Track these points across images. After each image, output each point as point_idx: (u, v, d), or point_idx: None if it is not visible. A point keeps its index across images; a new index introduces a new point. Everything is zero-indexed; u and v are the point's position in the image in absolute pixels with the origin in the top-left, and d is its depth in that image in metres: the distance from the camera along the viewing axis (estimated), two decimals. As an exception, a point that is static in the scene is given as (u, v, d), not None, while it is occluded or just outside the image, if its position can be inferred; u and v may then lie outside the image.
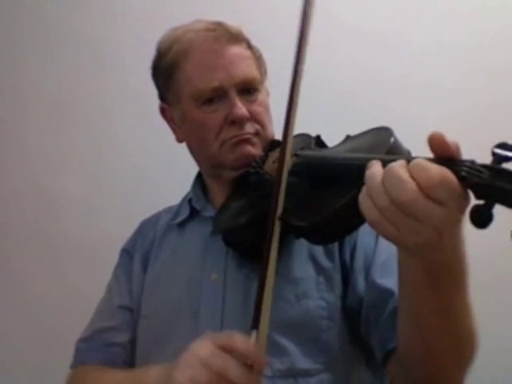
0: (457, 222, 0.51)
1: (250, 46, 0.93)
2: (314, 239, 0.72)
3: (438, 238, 0.50)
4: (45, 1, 1.54)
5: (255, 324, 0.62)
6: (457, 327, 0.65)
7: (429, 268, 0.57)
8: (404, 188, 0.47)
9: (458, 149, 0.50)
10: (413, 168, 0.48)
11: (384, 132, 0.67)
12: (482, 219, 0.46)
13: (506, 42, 1.48)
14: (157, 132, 1.45)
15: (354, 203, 0.57)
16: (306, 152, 0.80)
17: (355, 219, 0.61)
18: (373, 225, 0.52)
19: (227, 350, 0.60)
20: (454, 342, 0.66)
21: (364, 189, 0.52)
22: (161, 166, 1.49)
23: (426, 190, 0.47)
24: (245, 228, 0.80)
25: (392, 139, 0.64)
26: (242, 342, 0.60)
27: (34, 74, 1.53)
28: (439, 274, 0.58)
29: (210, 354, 0.60)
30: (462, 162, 0.49)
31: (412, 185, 0.47)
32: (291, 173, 0.74)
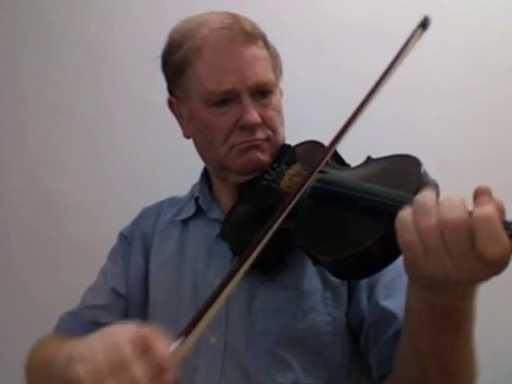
0: (484, 280, 0.51)
1: (266, 44, 0.89)
2: (334, 273, 0.68)
3: (455, 283, 0.50)
4: (44, 0, 1.54)
5: (186, 332, 0.55)
6: (455, 370, 0.64)
7: (434, 311, 0.57)
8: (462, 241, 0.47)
9: (503, 209, 0.49)
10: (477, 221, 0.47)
11: (413, 162, 0.64)
12: None
13: (506, 42, 1.48)
14: (157, 133, 1.47)
15: (383, 244, 0.55)
16: (329, 176, 0.75)
17: (382, 260, 0.60)
18: (404, 245, 0.51)
19: (145, 345, 0.53)
20: (450, 381, 0.65)
21: (409, 209, 0.51)
22: (161, 166, 1.48)
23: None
24: None
25: (422, 171, 0.61)
26: (163, 345, 0.53)
27: (33, 74, 1.53)
28: (444, 318, 0.58)
29: (124, 341, 0.53)
30: (505, 224, 0.47)
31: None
32: (309, 196, 0.71)
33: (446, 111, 1.48)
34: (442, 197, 0.50)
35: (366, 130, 1.43)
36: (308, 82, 1.45)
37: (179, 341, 0.55)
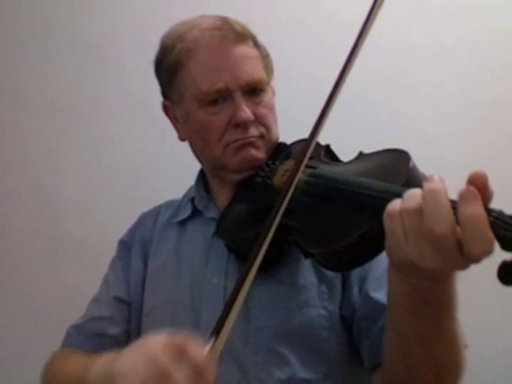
0: (463, 269, 0.51)
1: (256, 44, 0.90)
2: (325, 265, 0.70)
3: (433, 269, 0.51)
4: (44, 0, 1.54)
5: (216, 330, 0.58)
6: (440, 355, 0.64)
7: (414, 294, 0.57)
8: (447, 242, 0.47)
9: (491, 195, 0.48)
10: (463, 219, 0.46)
11: (402, 156, 0.66)
12: (509, 277, 0.45)
13: (505, 42, 1.49)
14: (157, 132, 1.46)
15: (371, 234, 0.56)
16: (319, 170, 0.77)
17: (370, 251, 0.61)
18: (386, 227, 0.52)
19: (180, 351, 0.56)
20: (436, 369, 0.65)
21: (398, 205, 0.52)
22: (161, 166, 1.49)
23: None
24: (251, 242, 0.79)
25: (411, 164, 0.63)
26: (197, 347, 0.56)
27: (34, 74, 1.53)
28: (424, 302, 0.58)
29: (159, 351, 0.56)
30: (490, 212, 0.47)
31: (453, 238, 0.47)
32: (303, 192, 0.73)
33: (446, 111, 1.48)
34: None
35: (366, 129, 1.44)
36: (308, 81, 1.45)
37: (211, 341, 0.58)
